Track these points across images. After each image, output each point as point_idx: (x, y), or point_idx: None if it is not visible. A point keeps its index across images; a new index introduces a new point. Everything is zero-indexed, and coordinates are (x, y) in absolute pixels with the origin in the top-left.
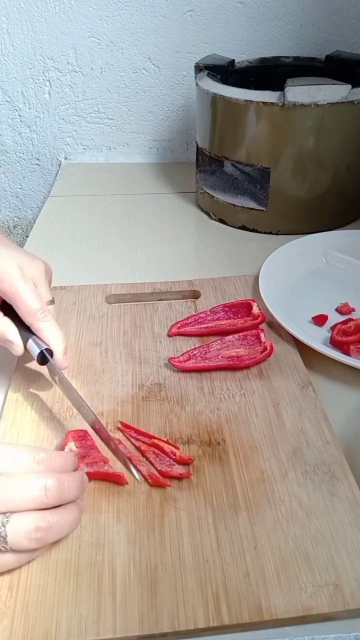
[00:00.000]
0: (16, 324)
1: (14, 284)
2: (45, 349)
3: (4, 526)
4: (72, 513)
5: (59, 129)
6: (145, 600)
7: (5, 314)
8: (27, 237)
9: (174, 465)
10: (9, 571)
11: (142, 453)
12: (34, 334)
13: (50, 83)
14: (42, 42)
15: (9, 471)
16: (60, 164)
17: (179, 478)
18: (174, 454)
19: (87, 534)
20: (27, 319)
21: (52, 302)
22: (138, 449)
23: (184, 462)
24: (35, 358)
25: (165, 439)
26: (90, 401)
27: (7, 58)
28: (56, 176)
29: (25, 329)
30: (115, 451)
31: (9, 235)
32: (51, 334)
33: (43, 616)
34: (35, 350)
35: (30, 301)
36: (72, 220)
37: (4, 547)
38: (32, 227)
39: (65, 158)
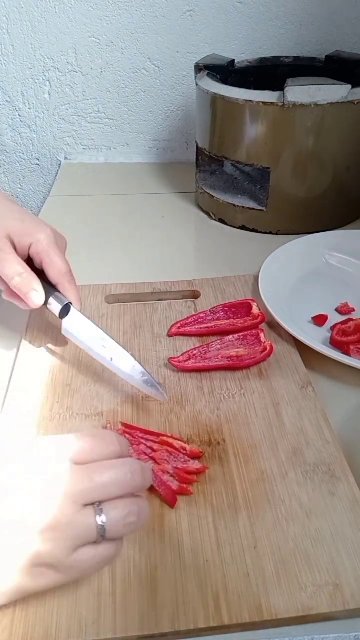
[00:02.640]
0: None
1: (51, 246)
2: (67, 304)
3: (100, 516)
4: (146, 500)
5: (59, 129)
6: (145, 600)
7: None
8: None
9: (189, 460)
10: None
11: (154, 453)
12: (53, 292)
13: (50, 83)
14: (42, 42)
15: (92, 459)
16: (60, 164)
17: (197, 473)
18: (185, 449)
19: None
20: (58, 278)
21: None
22: (150, 449)
23: (196, 456)
24: (58, 312)
25: (171, 434)
26: (90, 401)
27: (7, 58)
28: (56, 176)
29: (46, 287)
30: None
31: None
32: (75, 292)
33: (43, 616)
34: (58, 305)
35: (63, 263)
36: (72, 220)
37: (102, 536)
38: None
39: (65, 158)
